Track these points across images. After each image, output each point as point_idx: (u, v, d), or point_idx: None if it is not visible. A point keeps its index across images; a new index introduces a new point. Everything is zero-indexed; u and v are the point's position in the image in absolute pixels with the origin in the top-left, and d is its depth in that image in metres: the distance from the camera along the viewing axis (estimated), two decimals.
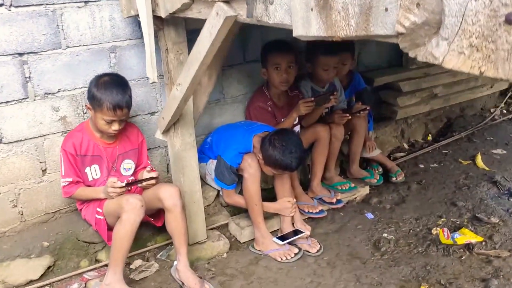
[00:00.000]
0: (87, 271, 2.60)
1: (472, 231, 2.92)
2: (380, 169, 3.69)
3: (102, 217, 2.45)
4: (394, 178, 3.60)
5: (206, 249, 2.82)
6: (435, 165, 3.92)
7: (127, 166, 2.61)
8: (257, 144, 2.71)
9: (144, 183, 2.43)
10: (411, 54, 1.07)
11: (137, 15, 2.33)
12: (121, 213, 2.29)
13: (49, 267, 2.55)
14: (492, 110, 4.91)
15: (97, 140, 2.50)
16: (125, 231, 2.29)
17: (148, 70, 2.27)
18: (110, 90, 2.31)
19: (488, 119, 4.68)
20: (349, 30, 1.22)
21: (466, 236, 2.84)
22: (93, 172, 2.51)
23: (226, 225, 3.06)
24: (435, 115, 4.49)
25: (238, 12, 1.69)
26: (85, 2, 2.49)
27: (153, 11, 2.22)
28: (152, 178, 2.41)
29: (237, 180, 2.82)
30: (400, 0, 1.04)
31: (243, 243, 2.95)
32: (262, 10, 1.52)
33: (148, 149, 2.80)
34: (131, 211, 2.28)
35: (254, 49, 3.27)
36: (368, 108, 3.29)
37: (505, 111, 4.93)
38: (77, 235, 2.64)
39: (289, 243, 2.81)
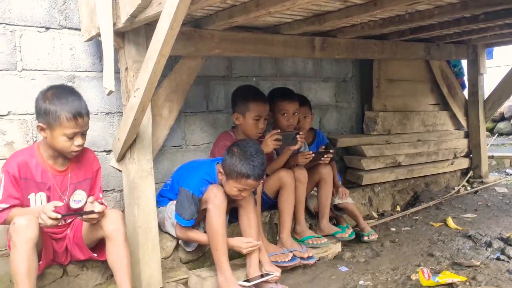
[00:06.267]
0: None
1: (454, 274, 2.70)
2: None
3: None
4: (366, 237, 3.39)
5: None
6: (406, 228, 3.76)
7: (78, 197, 2.31)
8: (221, 168, 2.55)
9: (84, 216, 2.12)
10: None
11: (98, 35, 2.34)
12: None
13: None
14: (456, 188, 4.93)
15: (47, 166, 2.23)
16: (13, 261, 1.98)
17: (106, 78, 2.20)
18: (65, 99, 2.12)
19: (454, 192, 4.68)
20: None
21: (448, 276, 2.61)
22: (37, 200, 2.22)
23: (185, 283, 2.72)
24: (402, 187, 4.46)
25: None
26: (47, 28, 2.50)
27: (114, 24, 2.23)
28: (93, 211, 2.10)
29: (196, 216, 2.58)
30: None
31: None
32: None
33: None
34: (16, 234, 1.97)
35: (218, 100, 3.30)
36: (331, 151, 3.23)
37: (469, 188, 4.95)
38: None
39: (256, 287, 2.50)
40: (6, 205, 2.13)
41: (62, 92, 2.18)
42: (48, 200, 2.25)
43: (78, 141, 2.16)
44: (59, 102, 2.11)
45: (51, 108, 2.10)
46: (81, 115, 2.13)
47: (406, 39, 3.84)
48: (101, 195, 2.42)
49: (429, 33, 3.67)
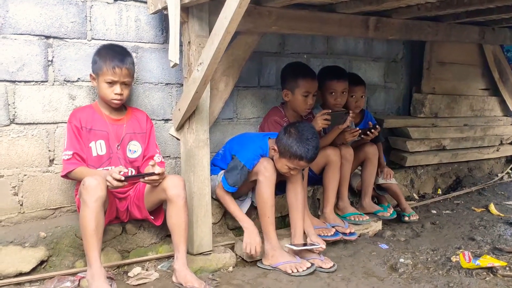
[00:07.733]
0: (82, 271, 2.40)
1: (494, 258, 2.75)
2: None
3: None
4: (407, 218, 3.46)
5: (211, 260, 2.62)
6: (447, 211, 3.80)
7: (133, 148, 2.54)
8: (273, 144, 2.66)
9: (146, 178, 2.28)
10: None
11: (164, 8, 2.45)
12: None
13: (42, 262, 2.37)
14: (499, 174, 4.89)
15: (104, 116, 2.47)
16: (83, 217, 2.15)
17: (171, 52, 2.31)
18: (111, 53, 2.38)
19: (497, 179, 4.64)
20: None
21: (489, 260, 2.66)
22: (98, 147, 2.44)
23: (232, 248, 2.87)
24: (444, 171, 4.46)
25: None
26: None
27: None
28: (153, 173, 2.26)
29: (238, 186, 2.70)
30: None
31: (250, 262, 2.75)
32: None
33: None
34: (87, 192, 2.14)
35: (269, 76, 3.38)
36: (378, 127, 3.26)
37: None
38: (76, 231, 2.47)
39: (301, 258, 2.63)
40: (70, 151, 2.35)
41: (112, 48, 2.44)
42: (108, 147, 2.45)
43: (117, 89, 2.38)
44: (105, 54, 2.39)
45: (97, 59, 2.39)
46: (119, 66, 2.37)
47: (461, 22, 3.77)
48: (158, 151, 2.61)
49: (485, 17, 3.60)
